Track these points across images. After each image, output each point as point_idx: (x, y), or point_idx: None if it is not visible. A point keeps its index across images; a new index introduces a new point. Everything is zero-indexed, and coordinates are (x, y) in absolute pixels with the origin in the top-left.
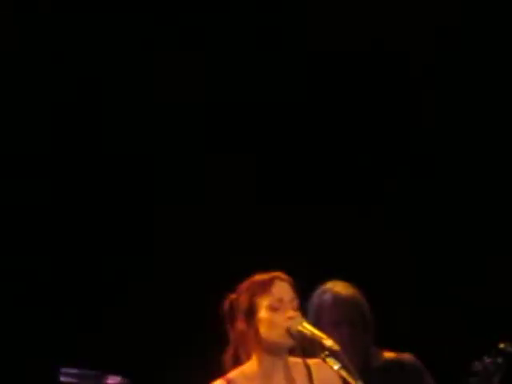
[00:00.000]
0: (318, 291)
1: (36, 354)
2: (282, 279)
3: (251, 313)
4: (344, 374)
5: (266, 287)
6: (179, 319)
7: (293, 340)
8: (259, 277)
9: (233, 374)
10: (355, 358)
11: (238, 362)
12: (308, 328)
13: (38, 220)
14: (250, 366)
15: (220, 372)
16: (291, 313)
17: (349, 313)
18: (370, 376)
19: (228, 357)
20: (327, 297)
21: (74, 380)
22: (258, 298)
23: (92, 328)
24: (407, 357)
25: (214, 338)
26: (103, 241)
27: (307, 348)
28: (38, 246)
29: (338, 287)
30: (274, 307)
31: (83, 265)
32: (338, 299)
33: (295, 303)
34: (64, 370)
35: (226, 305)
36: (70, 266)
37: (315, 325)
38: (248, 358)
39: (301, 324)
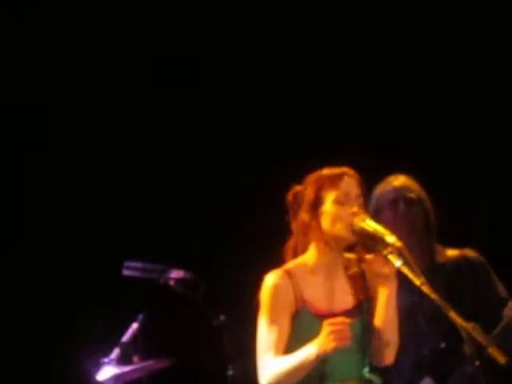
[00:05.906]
0: (380, 183)
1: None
2: (350, 175)
3: (316, 205)
4: (406, 270)
5: (334, 181)
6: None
7: (354, 235)
8: (328, 171)
9: (292, 265)
10: (420, 256)
11: (297, 253)
12: (371, 225)
13: None
14: (309, 258)
15: (279, 262)
16: (355, 209)
17: (406, 192)
18: (438, 272)
19: (289, 248)
20: (388, 186)
21: (137, 273)
22: (325, 191)
23: (156, 223)
24: (472, 253)
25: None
26: None
27: (368, 244)
28: None
29: (401, 178)
30: (340, 201)
31: None
32: (397, 185)
33: (360, 200)
34: (128, 263)
35: (291, 196)
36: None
37: (375, 215)
38: (305, 250)
39: (364, 220)
